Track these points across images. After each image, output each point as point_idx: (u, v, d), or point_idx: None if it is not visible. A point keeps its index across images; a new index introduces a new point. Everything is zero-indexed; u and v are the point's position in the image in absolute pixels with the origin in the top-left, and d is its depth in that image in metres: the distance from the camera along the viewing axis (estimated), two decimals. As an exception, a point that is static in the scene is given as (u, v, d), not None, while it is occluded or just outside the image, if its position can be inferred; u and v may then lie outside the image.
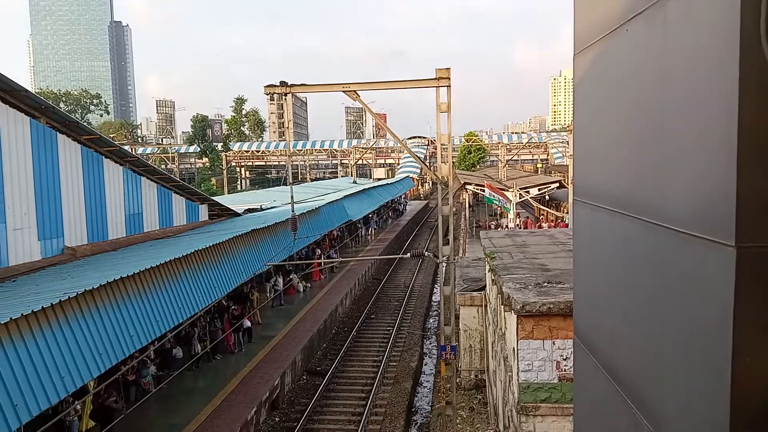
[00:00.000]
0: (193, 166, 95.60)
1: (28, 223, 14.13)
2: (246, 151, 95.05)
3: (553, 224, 39.66)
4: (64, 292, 9.94)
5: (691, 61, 2.32)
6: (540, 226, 38.44)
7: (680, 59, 2.43)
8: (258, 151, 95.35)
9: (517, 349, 9.68)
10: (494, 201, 38.64)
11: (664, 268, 2.66)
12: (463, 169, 76.54)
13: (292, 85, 14.86)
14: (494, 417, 14.44)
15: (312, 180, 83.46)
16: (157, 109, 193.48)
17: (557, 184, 43.01)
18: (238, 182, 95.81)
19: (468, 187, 45.49)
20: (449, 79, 13.97)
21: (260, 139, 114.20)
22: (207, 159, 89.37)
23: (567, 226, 35.41)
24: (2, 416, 7.69)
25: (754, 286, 1.98)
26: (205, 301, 14.22)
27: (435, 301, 29.79)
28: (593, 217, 3.90)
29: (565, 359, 9.46)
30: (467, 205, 51.16)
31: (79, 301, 9.85)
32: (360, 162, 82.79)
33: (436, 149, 16.10)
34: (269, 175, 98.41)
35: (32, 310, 8.66)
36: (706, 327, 2.23)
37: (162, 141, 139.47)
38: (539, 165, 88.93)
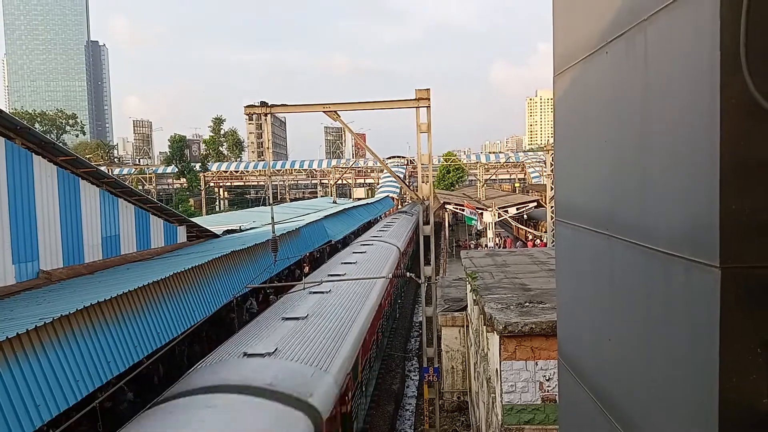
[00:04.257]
0: (170, 187, 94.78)
1: (1, 247, 13.83)
2: (224, 172, 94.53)
3: (532, 244, 39.93)
4: (39, 317, 9.71)
5: (672, 82, 2.35)
6: (534, 244, 38.71)
7: (661, 81, 2.46)
8: (237, 172, 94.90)
9: (500, 371, 9.65)
10: (473, 221, 38.84)
11: (648, 289, 2.67)
12: (442, 189, 76.92)
13: (272, 106, 14.87)
14: (477, 438, 14.34)
15: (291, 200, 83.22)
16: (134, 130, 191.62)
17: (535, 204, 43.39)
18: (217, 203, 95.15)
19: (447, 206, 45.68)
20: (429, 99, 14.10)
21: (239, 159, 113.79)
22: (185, 179, 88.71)
23: (546, 245, 35.65)
24: (-27, 447, 7.47)
25: (739, 307, 1.99)
26: (184, 325, 14.00)
27: (416, 322, 29.68)
28: (575, 238, 3.92)
29: (548, 380, 9.45)
30: (447, 225, 51.30)
31: (55, 327, 9.63)
32: (340, 182, 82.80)
33: (415, 169, 16.17)
34: (248, 196, 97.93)
35: (7, 337, 8.44)
36: (692, 348, 2.23)
37: (139, 161, 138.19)
38: (517, 184, 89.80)
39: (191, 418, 8.13)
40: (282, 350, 10.70)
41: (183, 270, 14.70)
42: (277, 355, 10.42)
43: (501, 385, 9.63)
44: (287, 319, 13.15)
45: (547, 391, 9.45)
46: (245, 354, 10.52)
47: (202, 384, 9.32)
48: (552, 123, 4.42)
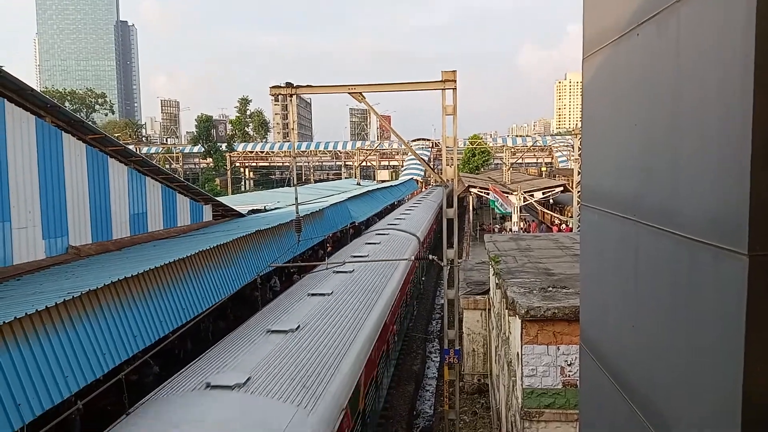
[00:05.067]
0: (197, 167, 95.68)
1: (32, 222, 14.13)
2: (250, 152, 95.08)
3: (557, 228, 39.58)
4: (68, 291, 9.93)
5: (705, 65, 2.30)
6: (559, 229, 38.31)
7: (693, 64, 2.41)
8: (262, 152, 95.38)
9: (521, 354, 9.64)
10: (497, 205, 38.59)
11: (674, 276, 2.63)
12: (467, 172, 76.46)
13: (298, 87, 14.86)
14: (497, 422, 14.39)
15: (316, 181, 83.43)
16: (161, 109, 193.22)
17: (561, 188, 42.93)
18: (242, 183, 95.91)
19: (472, 190, 45.44)
20: (455, 81, 13.94)
21: (264, 139, 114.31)
22: (211, 159, 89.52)
23: (571, 230, 35.33)
24: (5, 415, 7.69)
25: (767, 296, 1.95)
26: (209, 302, 14.21)
27: (438, 304, 29.75)
28: (601, 223, 3.87)
29: (569, 365, 9.41)
30: (471, 208, 51.08)
31: (83, 301, 9.85)
32: (364, 164, 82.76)
33: (440, 152, 16.09)
34: (273, 176, 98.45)
35: (36, 310, 8.66)
36: (717, 336, 2.20)
37: (166, 141, 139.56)
38: (543, 168, 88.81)
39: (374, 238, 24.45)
40: (400, 225, 28.80)
41: (208, 248, 14.89)
42: (398, 224, 29.11)
43: (522, 369, 9.63)
44: (391, 224, 30.30)
45: (569, 376, 9.43)
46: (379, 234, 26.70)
47: (377, 230, 27.63)
48: (581, 106, 4.35)
